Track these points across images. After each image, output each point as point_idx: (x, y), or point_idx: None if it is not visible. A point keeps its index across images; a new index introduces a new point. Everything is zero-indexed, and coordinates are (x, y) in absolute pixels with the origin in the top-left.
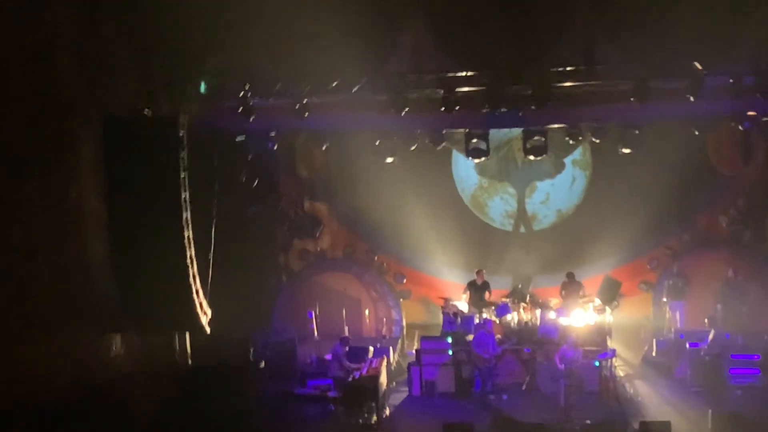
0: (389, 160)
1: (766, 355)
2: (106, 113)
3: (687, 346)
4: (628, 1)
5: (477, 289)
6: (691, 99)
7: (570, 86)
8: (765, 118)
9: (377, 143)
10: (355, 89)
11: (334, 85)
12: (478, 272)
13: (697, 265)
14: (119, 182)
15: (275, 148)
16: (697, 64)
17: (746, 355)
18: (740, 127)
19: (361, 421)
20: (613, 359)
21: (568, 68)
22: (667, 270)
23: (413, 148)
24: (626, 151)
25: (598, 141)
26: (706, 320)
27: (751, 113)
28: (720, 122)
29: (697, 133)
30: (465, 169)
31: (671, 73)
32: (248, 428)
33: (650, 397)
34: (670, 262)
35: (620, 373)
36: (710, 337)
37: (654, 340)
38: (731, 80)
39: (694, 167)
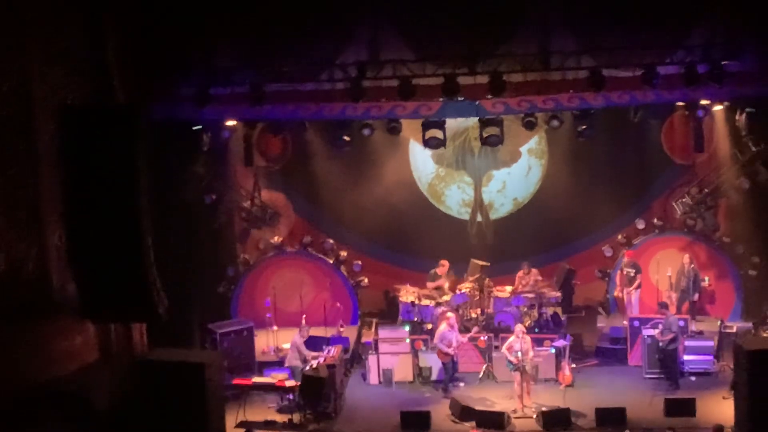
0: (346, 138)
1: (719, 341)
2: (62, 103)
3: (641, 333)
4: None
5: (437, 279)
6: (646, 88)
7: (526, 75)
8: (718, 107)
9: (334, 133)
10: (311, 78)
11: (290, 74)
12: (440, 263)
13: (652, 252)
14: (75, 173)
15: (231, 137)
16: (651, 53)
17: (700, 341)
18: (693, 115)
19: (318, 409)
20: (569, 346)
21: (524, 57)
22: (621, 258)
23: (370, 136)
24: (581, 139)
25: (553, 130)
26: (659, 307)
27: (704, 102)
28: (674, 111)
29: (650, 121)
30: (422, 158)
31: (626, 62)
32: (205, 418)
33: (605, 384)
34: (624, 250)
35: (576, 360)
36: (664, 324)
37: (609, 328)
38: (684, 69)
39: (649, 156)
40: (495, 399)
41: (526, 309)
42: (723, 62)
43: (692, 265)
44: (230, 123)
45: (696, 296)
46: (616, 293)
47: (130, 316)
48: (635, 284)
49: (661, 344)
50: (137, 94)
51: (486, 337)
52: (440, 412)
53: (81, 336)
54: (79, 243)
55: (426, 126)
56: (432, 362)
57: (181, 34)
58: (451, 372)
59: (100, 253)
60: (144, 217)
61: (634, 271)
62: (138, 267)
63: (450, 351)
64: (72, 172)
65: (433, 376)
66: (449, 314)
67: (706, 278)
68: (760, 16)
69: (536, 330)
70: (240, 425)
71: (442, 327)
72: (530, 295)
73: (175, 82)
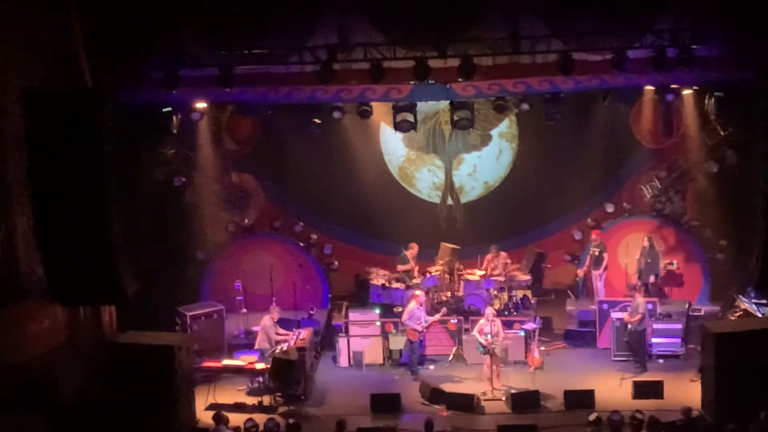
0: (316, 120)
1: (687, 324)
2: (28, 87)
3: (610, 316)
4: None
5: (407, 262)
6: (615, 71)
7: (496, 59)
8: (687, 91)
9: (304, 115)
10: (281, 61)
11: (260, 56)
12: (410, 246)
13: (621, 236)
14: (43, 155)
15: (201, 119)
16: (620, 37)
17: (668, 324)
18: (662, 99)
19: (288, 392)
20: (538, 329)
21: (494, 41)
22: (589, 241)
23: (338, 117)
24: (551, 123)
25: (523, 113)
26: (628, 289)
27: (673, 86)
28: (643, 95)
29: (620, 105)
30: (393, 141)
31: (595, 45)
32: (175, 401)
33: (574, 367)
34: (593, 233)
35: (545, 343)
36: (632, 306)
37: (578, 310)
38: (653, 53)
39: (618, 139)
40: (465, 381)
41: (496, 292)
42: (692, 47)
43: (652, 248)
44: (200, 105)
45: (651, 278)
46: (580, 272)
47: (99, 299)
48: (602, 266)
49: (630, 326)
50: (105, 77)
51: (456, 320)
52: (410, 394)
53: (49, 319)
54: (47, 226)
55: (397, 109)
56: (401, 345)
57: (150, 16)
58: (417, 351)
59: (68, 236)
60: (112, 201)
61: (598, 250)
62: (106, 250)
63: (419, 328)
64: (39, 156)
65: (403, 359)
66: (417, 292)
67: (674, 261)
68: (725, 1)
69: (506, 313)
70: (209, 408)
71: (411, 305)
72: (500, 279)
73: (144, 65)
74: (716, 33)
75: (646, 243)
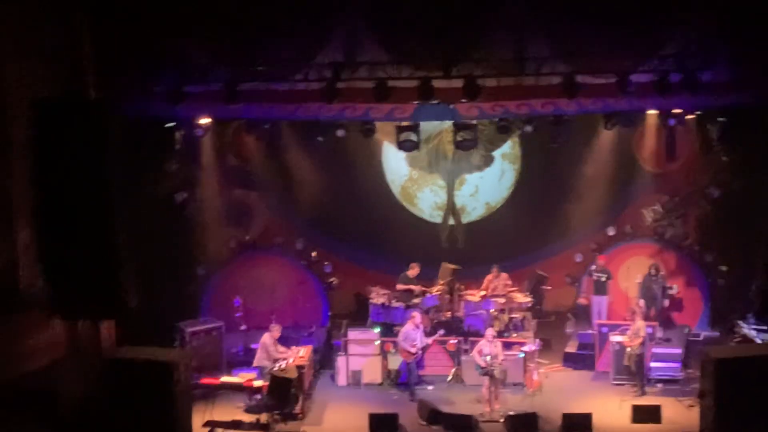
0: (320, 138)
1: (686, 349)
2: (35, 97)
3: (610, 339)
4: None
5: (409, 281)
6: (619, 95)
7: (500, 80)
8: (690, 116)
9: (308, 133)
10: (286, 78)
11: (265, 73)
12: (412, 266)
13: (622, 259)
14: (47, 167)
15: (205, 135)
16: (625, 61)
17: (667, 348)
18: (665, 124)
19: (286, 410)
20: (538, 351)
21: (499, 62)
22: (591, 264)
23: (341, 135)
24: (554, 145)
25: (526, 135)
26: (628, 314)
27: (676, 111)
28: (646, 119)
29: (623, 128)
30: (395, 160)
31: (599, 69)
32: (173, 417)
33: (573, 389)
34: (595, 256)
35: (544, 365)
36: (631, 329)
37: (577, 333)
38: (657, 77)
39: (621, 163)
40: (463, 402)
41: (496, 313)
42: (696, 72)
43: (659, 273)
44: (204, 121)
45: (663, 303)
46: (581, 300)
47: (99, 313)
48: (604, 291)
49: (629, 350)
50: (110, 90)
51: (455, 341)
52: (408, 414)
53: (49, 333)
54: (49, 239)
55: (400, 128)
56: (401, 365)
57: (156, 31)
58: (414, 372)
59: (70, 249)
60: (114, 214)
61: (605, 276)
62: (108, 264)
63: (413, 350)
64: (43, 167)
65: (401, 379)
66: (414, 313)
67: (675, 286)
68: (732, 26)
69: (505, 334)
70: (207, 425)
71: (407, 326)
72: (500, 300)
73: (149, 79)
74: (721, 58)
75: (652, 269)
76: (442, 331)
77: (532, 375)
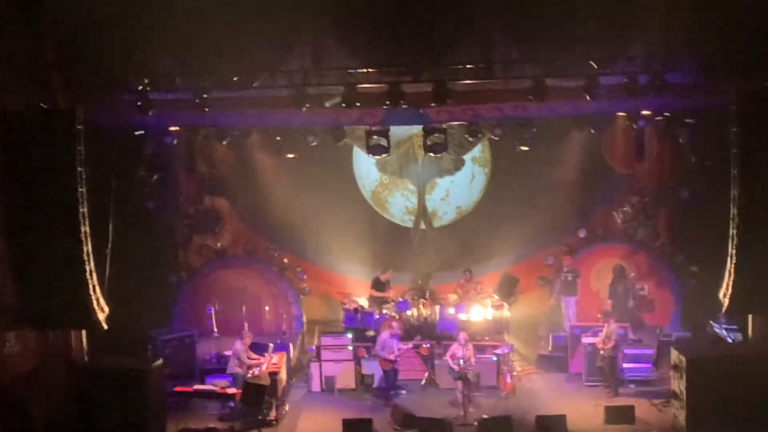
0: (290, 156)
1: (658, 349)
2: (2, 108)
3: (582, 341)
4: (525, 1)
5: (381, 286)
6: (587, 98)
7: (469, 84)
8: (658, 117)
9: (278, 139)
10: (255, 85)
11: (234, 80)
12: (384, 271)
13: (592, 261)
14: (15, 177)
15: (175, 143)
16: (593, 63)
17: (639, 349)
18: (634, 126)
19: (260, 417)
20: (511, 354)
21: (468, 66)
22: (561, 266)
23: (314, 144)
24: (524, 148)
25: (497, 138)
26: (599, 315)
27: (645, 112)
28: (615, 121)
29: (592, 131)
30: (366, 165)
31: (568, 72)
32: (146, 426)
33: (546, 392)
34: (564, 260)
35: (517, 367)
36: (604, 332)
37: (550, 335)
38: (626, 79)
39: (591, 165)
40: (437, 406)
41: (468, 317)
42: (664, 74)
43: (626, 273)
44: (174, 128)
45: (629, 303)
46: (552, 300)
47: (70, 322)
48: (574, 292)
49: (602, 352)
50: (78, 99)
51: (428, 345)
52: (382, 419)
53: (20, 342)
54: (20, 248)
55: (370, 133)
56: (374, 370)
57: (124, 39)
58: (392, 379)
59: (41, 258)
60: (84, 223)
61: (572, 275)
62: (78, 273)
63: (391, 358)
64: (11, 177)
65: (375, 384)
66: (393, 323)
67: (646, 287)
68: (697, 29)
69: (477, 338)
70: None
71: (384, 335)
72: (473, 303)
73: (118, 87)
74: (688, 60)
75: (618, 269)
76: (418, 337)
77: (505, 378)
